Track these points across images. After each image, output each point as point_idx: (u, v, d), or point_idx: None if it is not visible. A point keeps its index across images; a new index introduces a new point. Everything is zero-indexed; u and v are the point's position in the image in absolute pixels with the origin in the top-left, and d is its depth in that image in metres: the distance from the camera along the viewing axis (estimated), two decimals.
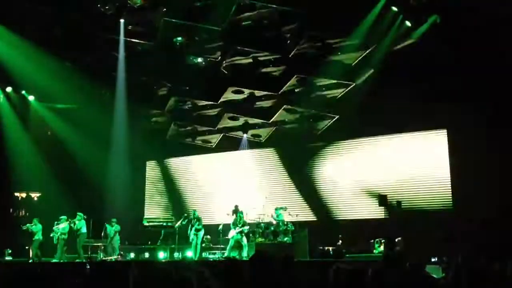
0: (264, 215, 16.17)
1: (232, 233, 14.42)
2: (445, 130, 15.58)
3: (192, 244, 14.83)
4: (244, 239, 14.31)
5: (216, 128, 18.79)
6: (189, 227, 15.06)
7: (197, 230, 14.79)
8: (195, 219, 14.99)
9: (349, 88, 15.80)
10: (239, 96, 17.07)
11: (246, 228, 14.44)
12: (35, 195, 19.06)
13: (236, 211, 15.21)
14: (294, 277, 4.22)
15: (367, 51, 14.41)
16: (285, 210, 15.90)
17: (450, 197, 15.17)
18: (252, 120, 18.14)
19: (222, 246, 15.36)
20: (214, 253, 15.63)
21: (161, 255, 15.87)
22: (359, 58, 14.84)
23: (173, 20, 14.02)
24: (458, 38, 12.55)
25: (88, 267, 9.73)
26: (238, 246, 14.43)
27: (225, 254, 14.33)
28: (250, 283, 3.28)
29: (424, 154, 15.89)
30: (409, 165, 16.07)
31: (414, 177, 15.94)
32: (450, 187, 15.20)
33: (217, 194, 19.23)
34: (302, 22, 13.77)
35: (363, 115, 15.34)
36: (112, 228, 15.59)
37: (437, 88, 13.79)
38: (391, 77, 13.81)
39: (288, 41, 14.69)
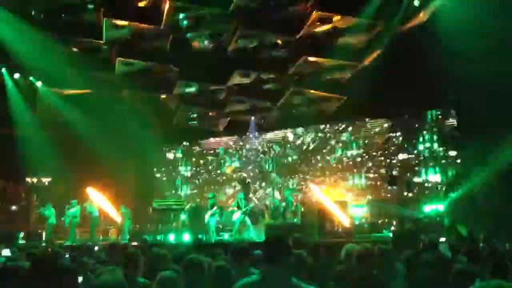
0: (273, 197, 16.22)
1: (237, 215, 14.49)
2: (454, 111, 15.52)
3: (207, 227, 14.85)
4: (248, 220, 14.41)
5: (224, 112, 18.76)
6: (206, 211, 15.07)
7: (212, 215, 14.82)
8: (213, 204, 15.03)
9: (357, 69, 15.67)
10: (247, 79, 16.99)
11: (249, 207, 14.60)
12: (46, 180, 19.24)
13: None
14: (305, 258, 4.28)
15: (375, 32, 14.24)
16: (293, 192, 15.85)
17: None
18: (260, 103, 18.10)
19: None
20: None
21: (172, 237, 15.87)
22: (367, 39, 14.67)
23: (180, 3, 13.93)
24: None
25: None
26: (243, 227, 14.51)
27: (233, 237, 14.41)
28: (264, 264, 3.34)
29: (433, 135, 15.88)
30: (418, 145, 16.09)
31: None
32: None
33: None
34: (309, 3, 13.62)
35: (372, 97, 15.21)
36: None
37: (447, 68, 13.59)
38: (400, 57, 13.64)
39: (296, 22, 14.54)
